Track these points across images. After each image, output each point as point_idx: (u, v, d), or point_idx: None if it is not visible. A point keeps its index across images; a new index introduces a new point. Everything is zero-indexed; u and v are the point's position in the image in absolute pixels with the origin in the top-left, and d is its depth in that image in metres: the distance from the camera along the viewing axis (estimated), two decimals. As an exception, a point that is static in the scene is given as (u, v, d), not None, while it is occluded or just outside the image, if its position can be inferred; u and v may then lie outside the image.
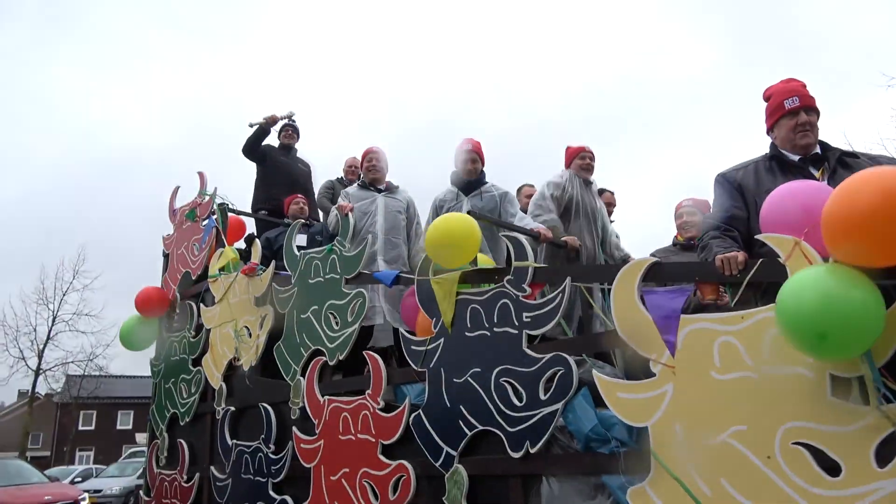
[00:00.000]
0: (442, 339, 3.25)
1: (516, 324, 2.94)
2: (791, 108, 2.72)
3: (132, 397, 36.08)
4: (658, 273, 2.57)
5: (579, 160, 4.43)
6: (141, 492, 5.58)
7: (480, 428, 2.97)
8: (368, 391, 3.54)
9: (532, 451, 2.74)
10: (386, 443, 3.38)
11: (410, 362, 3.36)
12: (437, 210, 4.44)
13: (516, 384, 2.88)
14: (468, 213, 3.47)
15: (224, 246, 5.27)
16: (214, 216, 5.45)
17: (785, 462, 2.13)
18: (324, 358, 3.92)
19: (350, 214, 4.14)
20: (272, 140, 6.25)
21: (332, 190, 6.23)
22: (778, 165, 2.73)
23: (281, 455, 4.03)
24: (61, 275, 26.21)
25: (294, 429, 3.97)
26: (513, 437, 2.83)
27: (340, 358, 3.80)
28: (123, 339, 5.66)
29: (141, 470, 19.84)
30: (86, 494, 11.03)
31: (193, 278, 5.47)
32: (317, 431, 3.81)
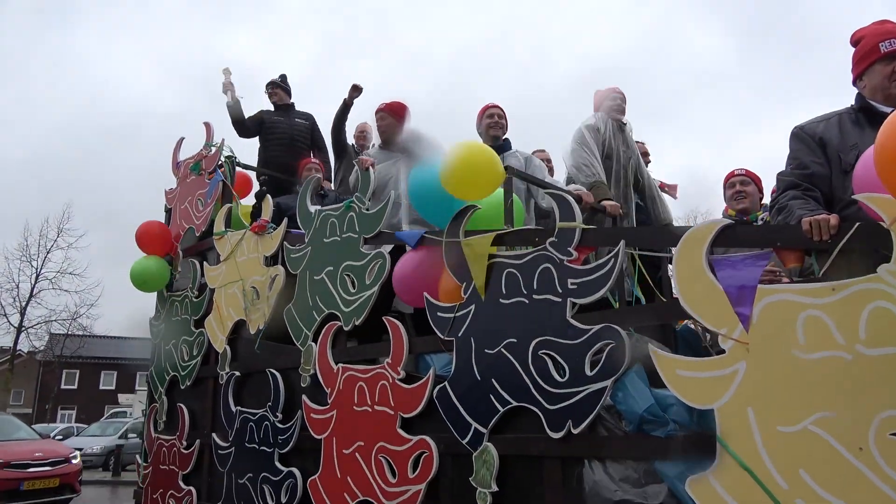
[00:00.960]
0: (473, 306, 2.96)
1: (559, 291, 2.65)
2: (888, 52, 2.39)
3: (116, 358, 36.08)
4: (731, 237, 2.27)
5: (610, 101, 4.10)
6: (138, 456, 5.35)
7: (514, 404, 2.70)
8: (387, 360, 3.26)
9: (574, 431, 2.47)
10: (406, 416, 3.11)
11: (436, 330, 3.08)
12: None
13: (558, 357, 2.59)
14: (506, 168, 3.16)
15: (231, 201, 4.97)
16: (221, 169, 5.13)
17: (881, 455, 1.86)
18: (338, 323, 3.64)
19: (371, 169, 3.82)
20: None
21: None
22: (866, 117, 2.41)
23: (289, 425, 3.77)
24: (45, 232, 25.88)
25: (304, 397, 3.71)
26: (552, 416, 2.55)
27: (357, 323, 3.52)
28: (136, 278, 5.33)
29: (122, 430, 20.16)
30: (77, 452, 10.81)
31: (197, 235, 5.17)
32: (329, 401, 3.54)
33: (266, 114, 5.78)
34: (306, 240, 4.06)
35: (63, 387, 34.76)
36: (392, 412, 3.17)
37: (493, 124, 4.18)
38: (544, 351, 2.64)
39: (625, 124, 4.18)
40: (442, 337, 3.05)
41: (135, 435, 19.89)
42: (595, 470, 2.46)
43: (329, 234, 3.89)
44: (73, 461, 9.92)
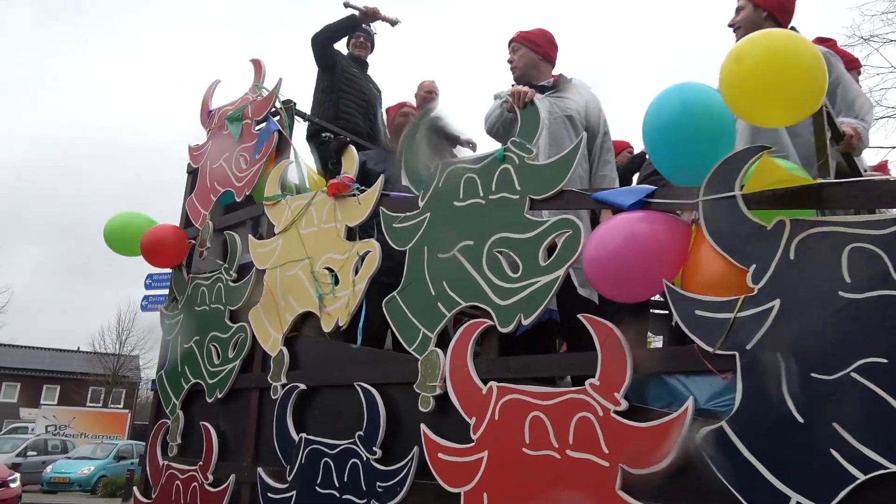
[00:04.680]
0: (775, 303, 1.84)
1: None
2: None
3: (20, 369, 33.42)
4: None
5: None
6: (135, 488, 4.05)
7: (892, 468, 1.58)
8: (592, 380, 2.12)
9: None
10: (635, 472, 1.97)
11: (695, 338, 1.95)
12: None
13: None
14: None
15: (289, 156, 3.77)
16: (277, 118, 3.94)
17: None
18: (487, 322, 2.48)
19: (537, 102, 2.68)
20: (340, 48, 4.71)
21: None
22: None
23: (397, 467, 2.58)
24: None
25: (424, 428, 2.53)
26: None
27: (525, 322, 2.37)
28: (111, 238, 4.09)
29: (22, 447, 18.30)
30: (17, 475, 9.40)
31: (238, 199, 3.94)
32: (474, 437, 2.37)
33: (342, 59, 4.57)
34: (421, 203, 2.89)
35: (-39, 397, 32.25)
36: (606, 464, 2.02)
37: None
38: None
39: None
40: (709, 350, 1.91)
41: (35, 453, 18.33)
42: None
43: (465, 195, 2.73)
44: (12, 485, 8.45)
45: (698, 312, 1.96)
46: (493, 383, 2.37)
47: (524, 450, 2.22)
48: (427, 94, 4.93)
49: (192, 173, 4.49)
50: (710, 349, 1.91)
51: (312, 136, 4.29)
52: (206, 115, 4.49)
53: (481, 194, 2.67)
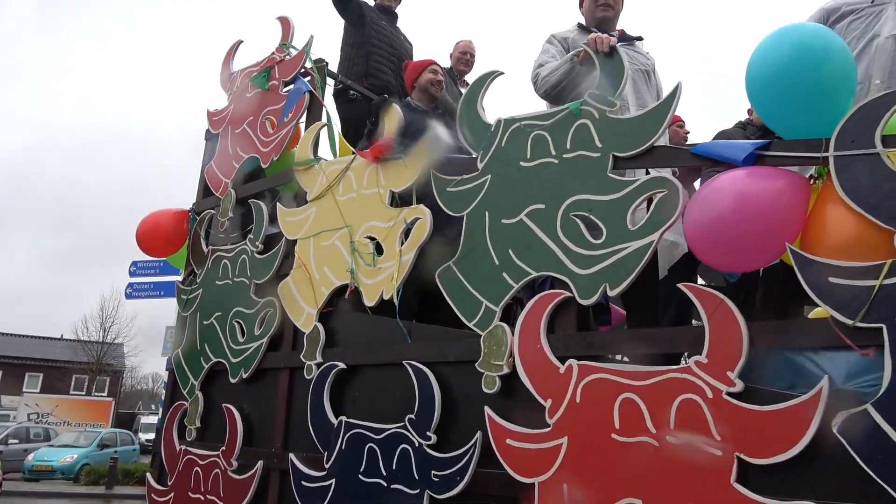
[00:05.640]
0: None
1: None
2: None
3: (2, 356, 32.46)
4: None
5: None
6: (148, 474, 3.77)
7: None
8: (698, 357, 1.86)
9: None
10: (756, 462, 1.71)
11: (831, 310, 1.69)
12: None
13: None
14: None
15: (321, 118, 3.49)
16: (308, 78, 3.65)
17: None
18: (564, 293, 2.21)
19: (619, 50, 2.41)
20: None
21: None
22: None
23: (457, 454, 2.32)
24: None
25: (488, 411, 2.27)
26: None
27: (612, 293, 2.10)
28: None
29: (3, 435, 17.93)
30: None
31: (265, 166, 3.66)
32: (550, 421, 2.11)
33: (370, 11, 4.28)
34: (480, 164, 2.62)
35: (-60, 384, 31.74)
36: (719, 452, 1.77)
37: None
38: None
39: None
40: (848, 322, 1.66)
41: (17, 441, 18.13)
42: None
43: (534, 154, 2.46)
44: None
45: (833, 280, 1.70)
46: (572, 361, 2.11)
47: (613, 436, 1.97)
48: (462, 56, 4.65)
49: (212, 139, 4.20)
50: (848, 321, 1.65)
51: (339, 95, 4.00)
52: (228, 77, 4.20)
53: (553, 153, 2.40)
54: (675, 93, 2.14)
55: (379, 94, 3.76)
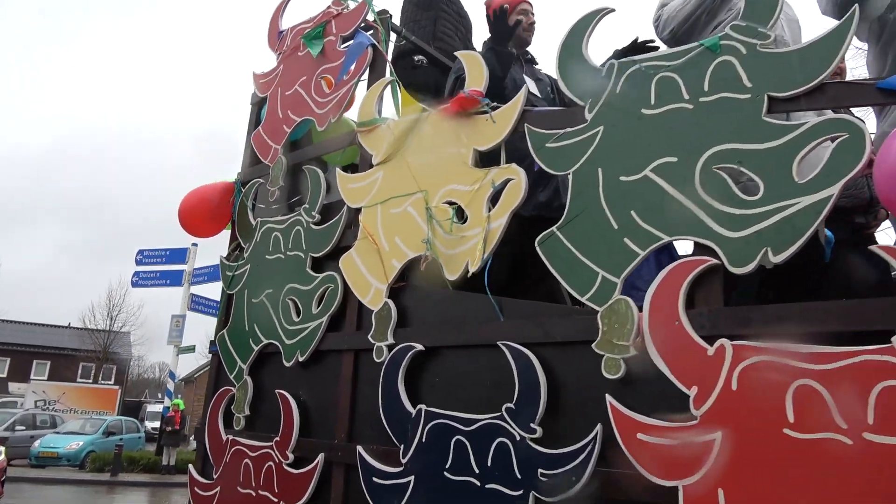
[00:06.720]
0: None
1: None
2: None
3: (10, 344, 33.19)
4: None
5: None
6: (191, 466, 3.46)
7: None
8: (906, 336, 1.49)
9: None
10: None
11: None
12: None
13: None
14: None
15: (386, 75, 3.15)
16: (370, 32, 3.30)
17: None
18: (710, 260, 1.85)
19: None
20: None
21: None
22: None
23: (570, 450, 1.97)
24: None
25: (610, 400, 1.92)
26: None
27: (776, 259, 1.73)
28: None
29: (10, 421, 17.65)
30: (1, 448, 9.42)
31: (321, 129, 3.31)
32: (696, 412, 1.75)
33: None
34: (589, 115, 2.25)
35: (-52, 371, 32.09)
36: (945, 454, 1.40)
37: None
38: None
39: None
40: None
41: (24, 427, 18.23)
42: None
43: (660, 100, 2.09)
44: None
45: None
46: (724, 341, 1.75)
47: (786, 431, 1.60)
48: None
49: (258, 104, 3.87)
50: None
51: (400, 58, 3.64)
52: (276, 36, 3.85)
53: (686, 97, 2.03)
54: (852, 15, 1.76)
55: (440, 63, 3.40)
